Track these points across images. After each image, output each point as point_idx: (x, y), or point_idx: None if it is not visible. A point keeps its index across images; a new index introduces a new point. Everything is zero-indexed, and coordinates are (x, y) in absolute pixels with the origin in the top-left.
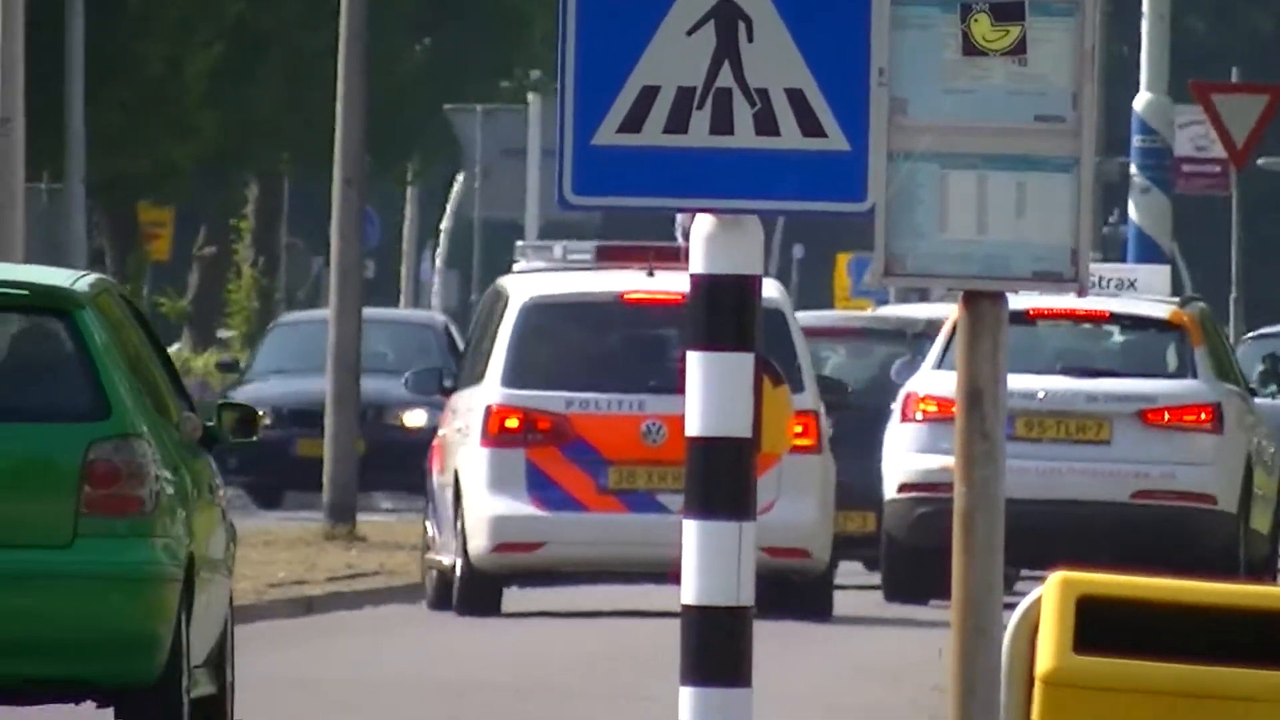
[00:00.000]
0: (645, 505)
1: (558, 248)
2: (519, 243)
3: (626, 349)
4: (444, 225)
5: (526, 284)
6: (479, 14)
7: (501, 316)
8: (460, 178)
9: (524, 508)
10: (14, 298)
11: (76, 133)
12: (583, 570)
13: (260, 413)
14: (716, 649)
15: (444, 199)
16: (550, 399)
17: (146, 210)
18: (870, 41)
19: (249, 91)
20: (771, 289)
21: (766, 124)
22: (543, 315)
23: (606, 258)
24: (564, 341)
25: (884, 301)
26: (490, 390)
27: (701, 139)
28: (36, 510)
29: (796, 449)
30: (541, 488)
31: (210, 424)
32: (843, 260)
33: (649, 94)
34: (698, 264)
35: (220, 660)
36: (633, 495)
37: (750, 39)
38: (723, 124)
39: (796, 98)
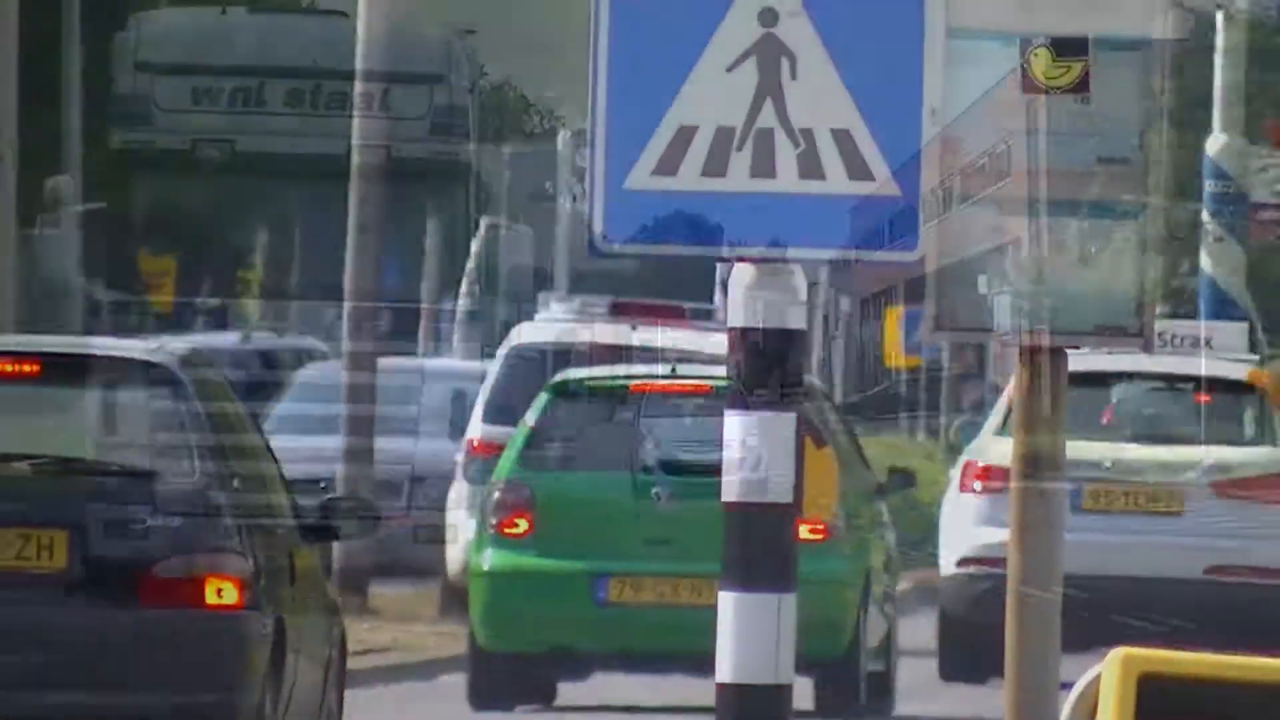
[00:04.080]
0: None
1: (577, 300)
2: (541, 293)
3: None
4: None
5: (527, 330)
6: (509, 46)
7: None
8: (483, 222)
9: None
10: None
11: None
12: None
13: (914, 471)
14: None
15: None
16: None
17: None
18: (923, 79)
19: None
20: None
21: (811, 167)
22: (523, 360)
23: (620, 313)
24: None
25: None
26: (473, 427)
27: (742, 182)
28: None
29: None
30: None
31: (881, 480)
32: (893, 314)
33: (686, 134)
34: (737, 316)
35: (887, 649)
36: None
37: (794, 76)
38: (764, 166)
39: (843, 139)
